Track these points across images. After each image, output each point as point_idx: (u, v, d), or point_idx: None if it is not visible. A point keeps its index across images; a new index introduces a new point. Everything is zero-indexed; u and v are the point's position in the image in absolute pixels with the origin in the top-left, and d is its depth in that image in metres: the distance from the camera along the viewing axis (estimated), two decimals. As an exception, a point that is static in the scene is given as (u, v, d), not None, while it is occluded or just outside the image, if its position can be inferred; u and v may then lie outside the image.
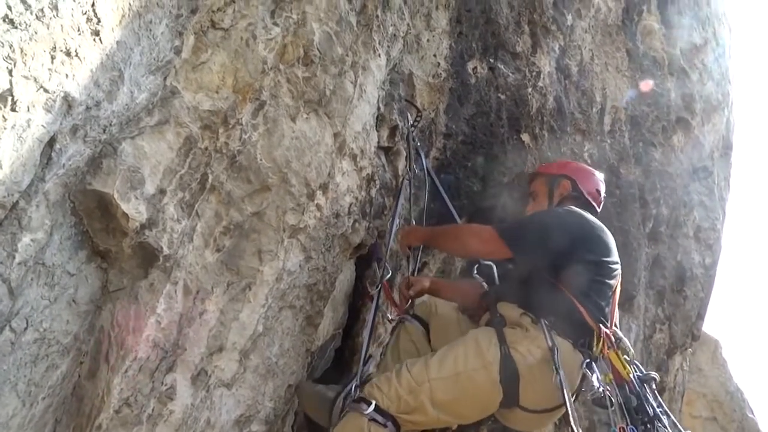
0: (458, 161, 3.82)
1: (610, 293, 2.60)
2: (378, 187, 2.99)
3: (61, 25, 1.42)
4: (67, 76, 1.47)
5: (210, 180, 2.04)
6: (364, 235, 2.93)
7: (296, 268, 2.46)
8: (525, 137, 4.26)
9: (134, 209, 1.79)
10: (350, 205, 2.73)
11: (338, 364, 3.36)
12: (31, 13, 1.33)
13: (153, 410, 1.96)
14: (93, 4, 1.50)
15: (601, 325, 2.43)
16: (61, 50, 1.44)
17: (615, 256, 2.69)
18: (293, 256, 2.43)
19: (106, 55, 1.59)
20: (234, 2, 2.08)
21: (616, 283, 2.66)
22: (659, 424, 2.08)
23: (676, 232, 5.51)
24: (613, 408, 2.24)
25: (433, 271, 4.07)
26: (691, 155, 5.74)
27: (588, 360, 2.39)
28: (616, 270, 2.66)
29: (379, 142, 2.98)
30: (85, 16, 1.49)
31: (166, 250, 1.91)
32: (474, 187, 3.87)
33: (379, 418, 2.29)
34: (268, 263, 2.30)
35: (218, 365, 2.19)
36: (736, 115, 6.90)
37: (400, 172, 3.26)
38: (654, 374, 2.31)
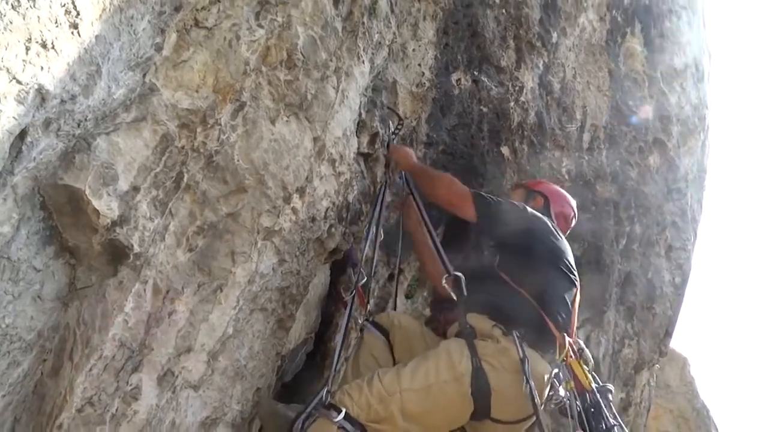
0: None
1: (571, 303, 2.69)
2: (356, 193, 2.99)
3: (38, 17, 1.40)
4: (42, 68, 1.45)
5: (185, 179, 2.02)
6: (339, 240, 2.92)
7: (269, 270, 2.44)
8: (505, 150, 4.29)
9: (106, 206, 1.76)
10: (327, 209, 2.72)
11: (309, 368, 3.35)
12: (6, 3, 1.31)
13: (117, 410, 1.92)
14: (73, -3, 1.48)
15: (564, 334, 2.48)
16: (37, 42, 1.42)
17: (573, 267, 2.80)
18: (267, 258, 2.41)
19: (84, 48, 1.57)
20: (219, 2, 2.07)
21: (576, 292, 2.76)
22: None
23: (648, 251, 5.60)
24: (572, 416, 2.28)
25: (408, 279, 4.08)
26: (666, 176, 5.85)
27: (557, 370, 2.43)
28: (575, 280, 2.77)
29: (359, 148, 2.98)
30: (64, 9, 1.47)
31: (136, 248, 1.88)
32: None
33: (348, 427, 2.28)
34: (240, 265, 2.28)
35: (186, 366, 2.16)
36: (712, 140, 7.04)
37: (378, 179, 3.26)
38: (610, 386, 2.36)
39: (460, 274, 2.69)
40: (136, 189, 1.85)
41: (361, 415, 2.31)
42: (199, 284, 2.14)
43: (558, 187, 3.48)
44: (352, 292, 2.86)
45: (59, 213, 1.72)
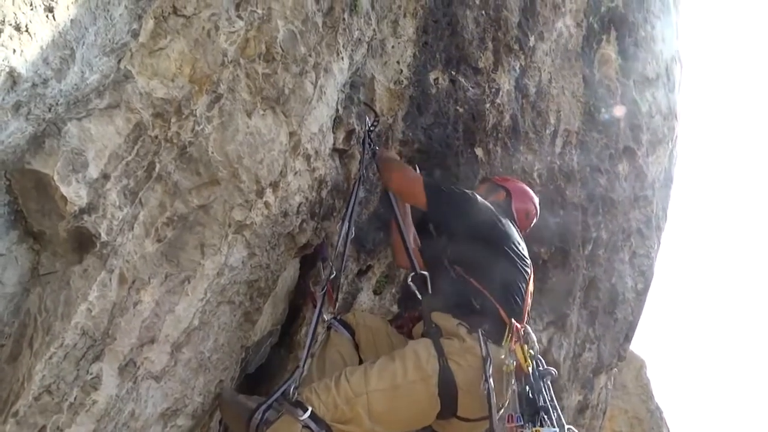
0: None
1: (524, 289, 2.75)
2: (329, 188, 2.98)
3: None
4: (14, 51, 1.41)
5: (157, 169, 2.00)
6: (311, 235, 2.92)
7: (238, 263, 2.43)
8: (479, 151, 4.33)
9: (74, 193, 1.73)
10: (300, 204, 2.71)
11: (273, 360, 3.34)
12: (-19, -16, 1.28)
13: (75, 399, 1.90)
14: (49, -20, 1.45)
15: (513, 319, 2.50)
16: (10, 24, 1.38)
17: (524, 253, 2.87)
18: (236, 251, 2.40)
19: (59, 32, 1.54)
20: (199, -10, 2.04)
21: (528, 278, 2.83)
22: (543, 415, 2.13)
23: (613, 256, 5.72)
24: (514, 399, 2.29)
25: (377, 275, 4.09)
26: (634, 184, 5.96)
27: (513, 361, 2.39)
28: (527, 267, 2.84)
29: (334, 144, 2.98)
30: (40, -9, 1.44)
31: (104, 237, 1.85)
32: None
33: (313, 426, 2.27)
34: (210, 257, 2.27)
35: (148, 357, 2.14)
36: (679, 150, 7.21)
37: (352, 175, 3.26)
38: (552, 369, 2.35)
39: (425, 272, 2.73)
40: (106, 177, 1.82)
41: (327, 415, 2.31)
42: (166, 275, 2.12)
43: (523, 185, 3.53)
44: (323, 289, 2.83)
45: (25, 198, 1.69)
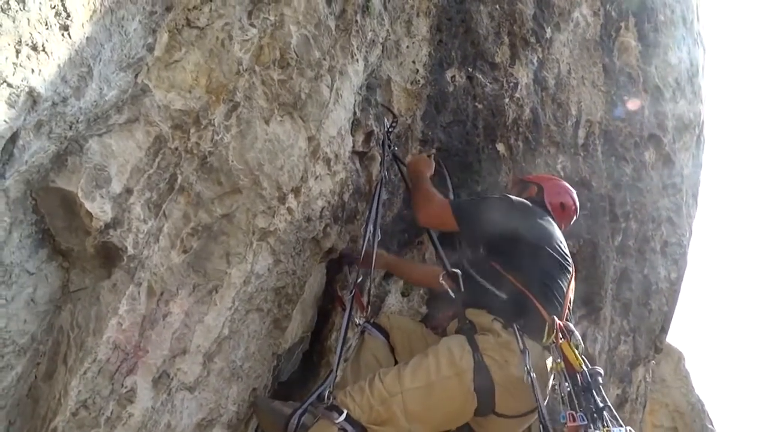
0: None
1: (564, 289, 2.66)
2: (351, 191, 2.98)
3: (28, 19, 1.38)
4: (32, 71, 1.43)
5: (179, 181, 2.01)
6: (335, 239, 2.91)
7: (264, 271, 2.43)
8: (500, 147, 4.28)
9: (99, 208, 1.75)
10: (322, 209, 2.71)
11: (305, 367, 3.34)
12: (-3, 6, 1.30)
13: (111, 413, 1.92)
14: (63, -2, 1.47)
15: (554, 317, 2.46)
16: (28, 44, 1.40)
17: (566, 251, 2.78)
18: (262, 259, 2.40)
19: (75, 50, 1.56)
20: (211, 1, 2.05)
21: (570, 275, 2.74)
22: (606, 415, 2.10)
23: (643, 247, 5.60)
24: (563, 395, 2.26)
25: (398, 282, 4.07)
26: (662, 172, 5.84)
27: (559, 360, 2.37)
28: (568, 263, 2.74)
29: (354, 147, 2.97)
30: (54, 10, 1.46)
31: (130, 251, 1.87)
32: (448, 194, 3.88)
33: (350, 428, 2.27)
34: (236, 266, 2.27)
35: (181, 368, 2.15)
36: (707, 135, 7.05)
37: (374, 178, 3.25)
38: (599, 368, 2.32)
39: (457, 270, 2.71)
40: (129, 191, 1.84)
41: (363, 417, 2.30)
42: (194, 286, 2.13)
43: (556, 178, 3.47)
44: (351, 292, 2.82)
45: (52, 216, 1.71)
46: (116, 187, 1.80)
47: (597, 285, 4.97)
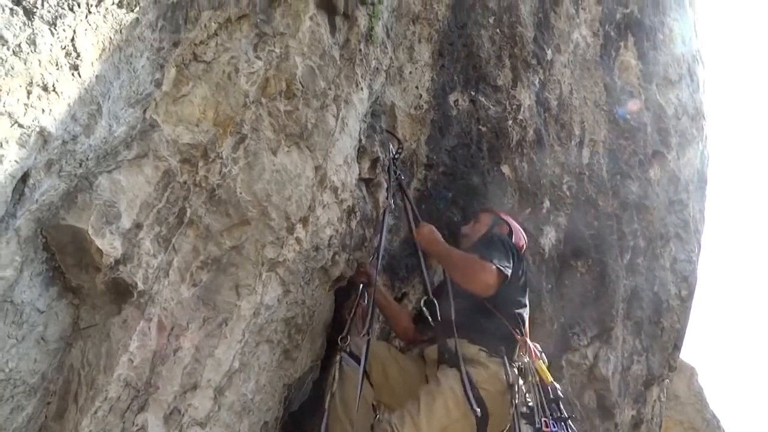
0: (439, 192, 3.83)
1: (527, 321, 2.94)
2: (359, 218, 2.97)
3: (39, 60, 1.39)
4: (43, 110, 1.44)
5: (188, 214, 2.01)
6: (344, 267, 2.90)
7: (274, 302, 2.42)
8: (505, 168, 4.29)
9: (109, 244, 1.74)
10: (330, 237, 2.70)
11: (316, 396, 3.30)
12: (8, 49, 1.31)
13: (123, 451, 1.89)
14: (72, 39, 1.48)
15: (525, 338, 2.73)
16: (38, 85, 1.41)
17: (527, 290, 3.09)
18: (271, 290, 2.39)
19: (85, 89, 1.57)
20: (217, 35, 2.07)
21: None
22: (570, 423, 2.45)
23: (652, 264, 5.56)
24: (531, 405, 2.51)
25: (412, 302, 4.04)
26: (667, 188, 5.83)
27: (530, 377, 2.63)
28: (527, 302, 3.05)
29: (360, 174, 2.97)
30: (64, 51, 1.47)
31: (140, 286, 1.86)
32: (454, 217, 3.87)
33: None
34: (245, 298, 2.26)
35: (192, 403, 2.12)
36: (711, 150, 7.04)
37: (381, 204, 3.25)
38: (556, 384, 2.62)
39: (434, 299, 2.93)
40: (138, 226, 1.84)
41: None
42: (204, 319, 2.12)
43: (514, 219, 3.53)
44: (352, 312, 2.94)
45: (62, 253, 1.70)
46: (126, 222, 1.79)
47: (608, 304, 4.93)
